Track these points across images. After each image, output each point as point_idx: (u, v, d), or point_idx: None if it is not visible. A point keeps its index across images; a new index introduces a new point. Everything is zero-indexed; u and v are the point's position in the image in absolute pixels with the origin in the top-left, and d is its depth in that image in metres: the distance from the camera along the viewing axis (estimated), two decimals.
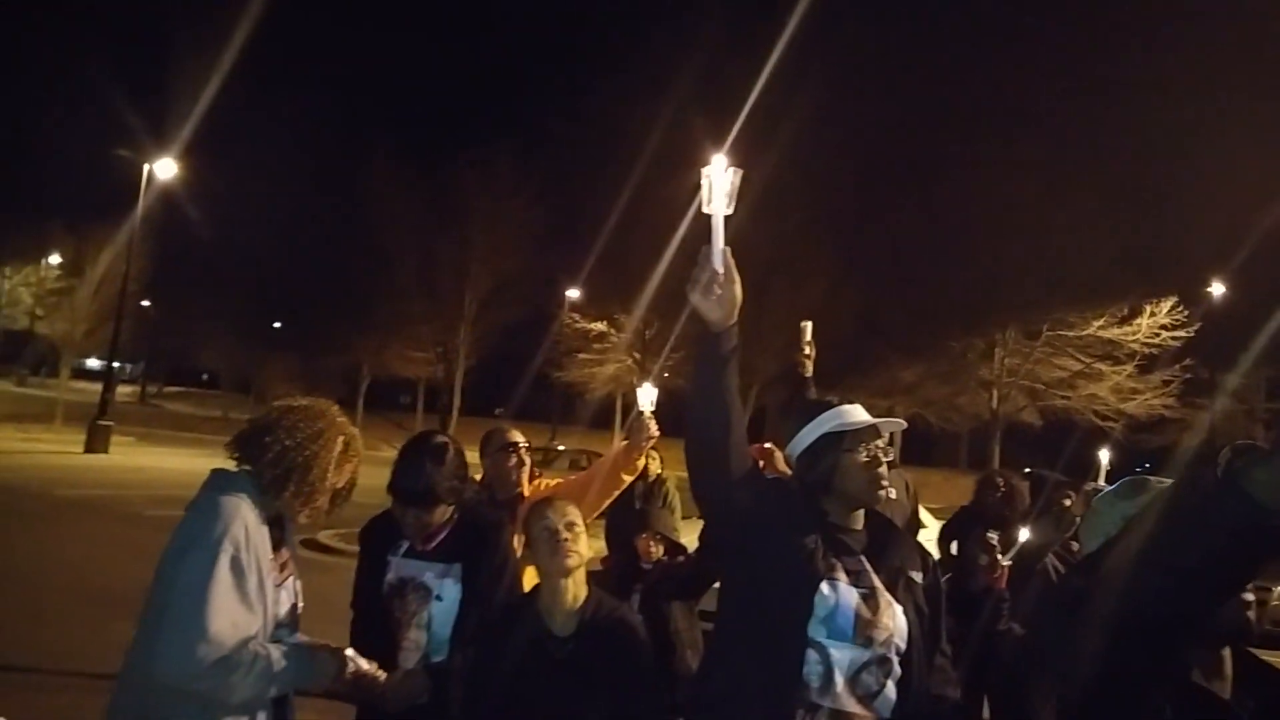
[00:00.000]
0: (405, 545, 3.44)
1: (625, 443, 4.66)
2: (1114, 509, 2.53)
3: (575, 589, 3.14)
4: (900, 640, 2.59)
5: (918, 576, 2.75)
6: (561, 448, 34.93)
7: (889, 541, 2.79)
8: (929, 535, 8.39)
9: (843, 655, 2.52)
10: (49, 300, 49.30)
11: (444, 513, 3.40)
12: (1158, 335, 33.64)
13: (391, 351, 50.64)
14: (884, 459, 2.76)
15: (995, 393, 37.44)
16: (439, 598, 3.34)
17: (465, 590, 3.34)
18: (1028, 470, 7.39)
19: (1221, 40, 32.23)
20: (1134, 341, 34.06)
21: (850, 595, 2.57)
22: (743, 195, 2.40)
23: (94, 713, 2.86)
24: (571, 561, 3.10)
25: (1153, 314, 33.55)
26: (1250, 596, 2.34)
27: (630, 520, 5.51)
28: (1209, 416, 33.69)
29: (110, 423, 28.15)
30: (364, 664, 2.97)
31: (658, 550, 5.20)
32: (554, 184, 43.91)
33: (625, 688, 3.06)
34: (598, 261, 35.84)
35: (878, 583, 2.63)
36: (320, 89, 78.13)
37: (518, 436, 4.57)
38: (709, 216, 2.38)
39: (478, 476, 4.22)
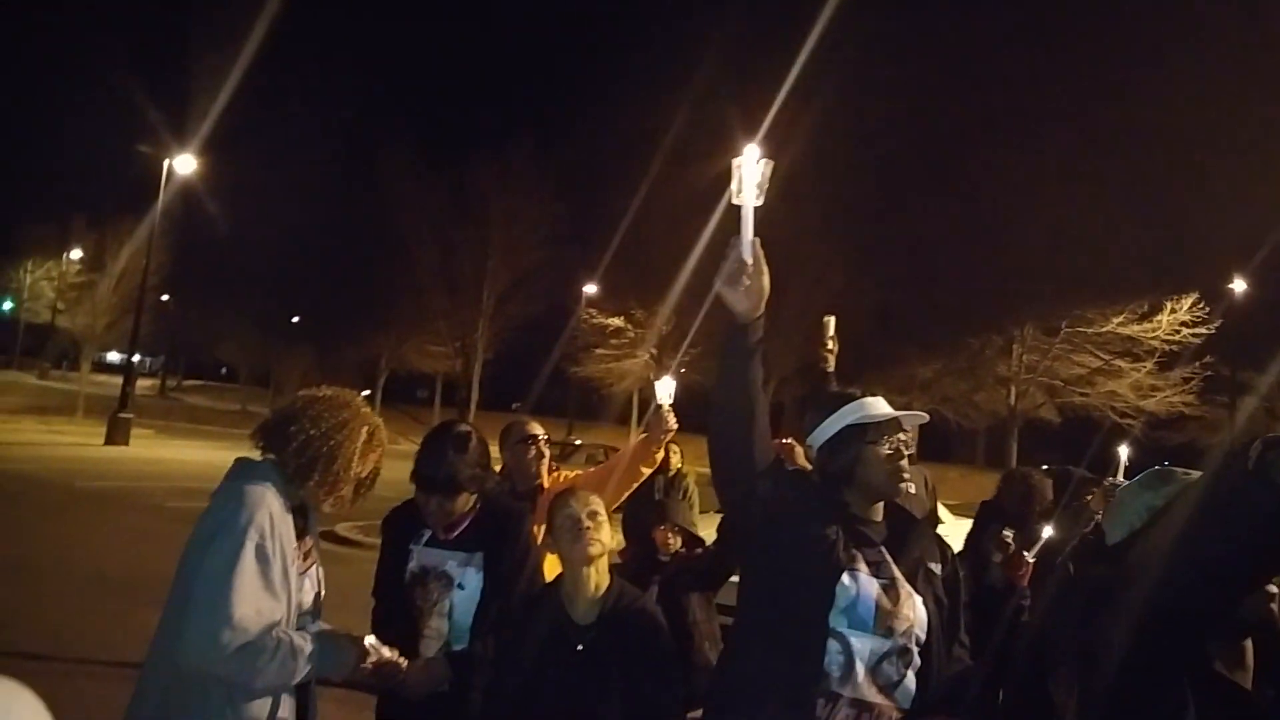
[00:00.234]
0: (427, 534, 3.46)
1: (644, 435, 4.68)
2: (1139, 500, 2.53)
3: (597, 578, 3.15)
4: (920, 630, 2.60)
5: (936, 568, 2.76)
6: (579, 442, 34.95)
7: (909, 533, 2.80)
8: (945, 531, 8.37)
9: (863, 645, 2.53)
10: (70, 294, 49.65)
11: (466, 501, 3.41)
12: (1178, 332, 33.39)
13: (410, 346, 50.84)
14: (906, 451, 2.77)
15: (1013, 389, 37.21)
16: (461, 586, 3.36)
17: (487, 579, 3.36)
18: (1045, 467, 7.36)
19: (1247, 38, 31.96)
20: (1154, 338, 33.81)
21: (871, 586, 2.58)
22: (757, 207, 2.40)
23: (117, 700, 2.89)
24: (594, 550, 3.11)
25: (1173, 311, 33.28)
26: (1275, 589, 2.34)
27: (649, 512, 5.52)
28: (1230, 414, 33.50)
29: (130, 415, 28.32)
30: (385, 651, 2.99)
31: (675, 542, 5.22)
32: (572, 180, 44.11)
33: (645, 677, 3.07)
34: (615, 257, 35.83)
35: (898, 573, 2.64)
36: (340, 85, 78.06)
37: (537, 429, 4.59)
38: (738, 207, 2.38)
39: (497, 469, 4.23)
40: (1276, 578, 2.29)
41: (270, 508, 2.79)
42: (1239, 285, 32.08)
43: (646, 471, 4.65)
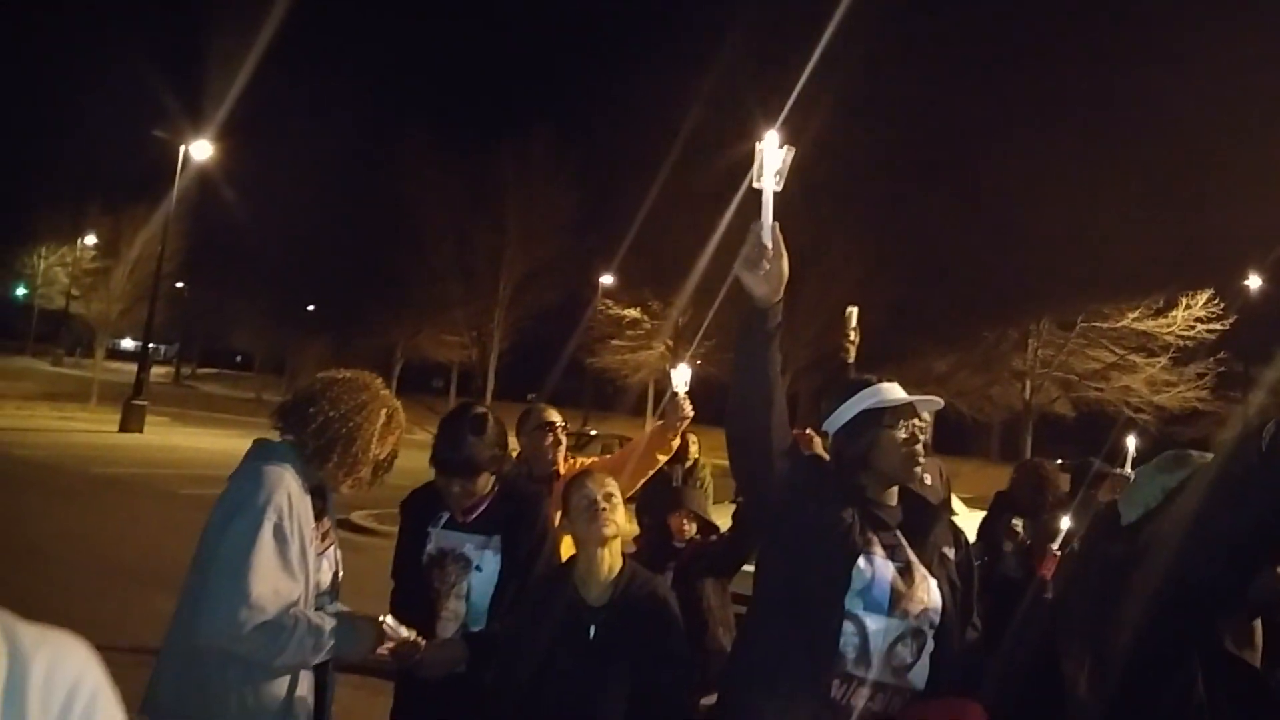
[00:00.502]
0: (445, 517, 3.49)
1: (660, 423, 4.69)
2: (1154, 481, 2.56)
3: (611, 559, 3.17)
4: (935, 613, 2.63)
5: (951, 552, 2.79)
6: (594, 432, 34.94)
7: (924, 518, 2.83)
8: (959, 523, 8.35)
9: (878, 627, 2.56)
10: (85, 281, 49.75)
11: (486, 483, 3.44)
12: (1193, 328, 33.32)
13: (425, 335, 50.75)
14: (921, 437, 2.79)
15: (1028, 383, 37.16)
16: (478, 568, 3.39)
17: (504, 561, 3.38)
18: (1060, 461, 7.36)
19: (1265, 34, 31.79)
20: (1169, 334, 33.74)
21: (886, 569, 2.61)
22: (777, 192, 2.41)
23: (131, 685, 2.91)
24: (609, 531, 3.13)
25: (1188, 306, 33.22)
26: None
27: (665, 499, 5.54)
28: (1244, 409, 33.36)
29: (145, 402, 28.32)
30: (403, 632, 3.01)
31: (691, 529, 5.23)
32: (590, 169, 44.03)
33: (657, 659, 3.09)
34: (632, 248, 35.76)
35: (913, 557, 2.67)
36: (356, 73, 78.29)
37: (554, 416, 4.60)
38: (758, 192, 2.39)
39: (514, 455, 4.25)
40: None
41: (288, 488, 2.81)
42: (1254, 281, 31.97)
43: (662, 459, 4.67)
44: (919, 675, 2.61)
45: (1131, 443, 5.91)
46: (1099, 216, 32.55)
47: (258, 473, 2.83)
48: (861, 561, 2.58)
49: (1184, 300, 33.23)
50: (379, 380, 3.16)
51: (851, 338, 5.08)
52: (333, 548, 3.10)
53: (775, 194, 2.38)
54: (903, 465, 2.76)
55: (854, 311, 5.18)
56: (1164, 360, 34.39)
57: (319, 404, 2.97)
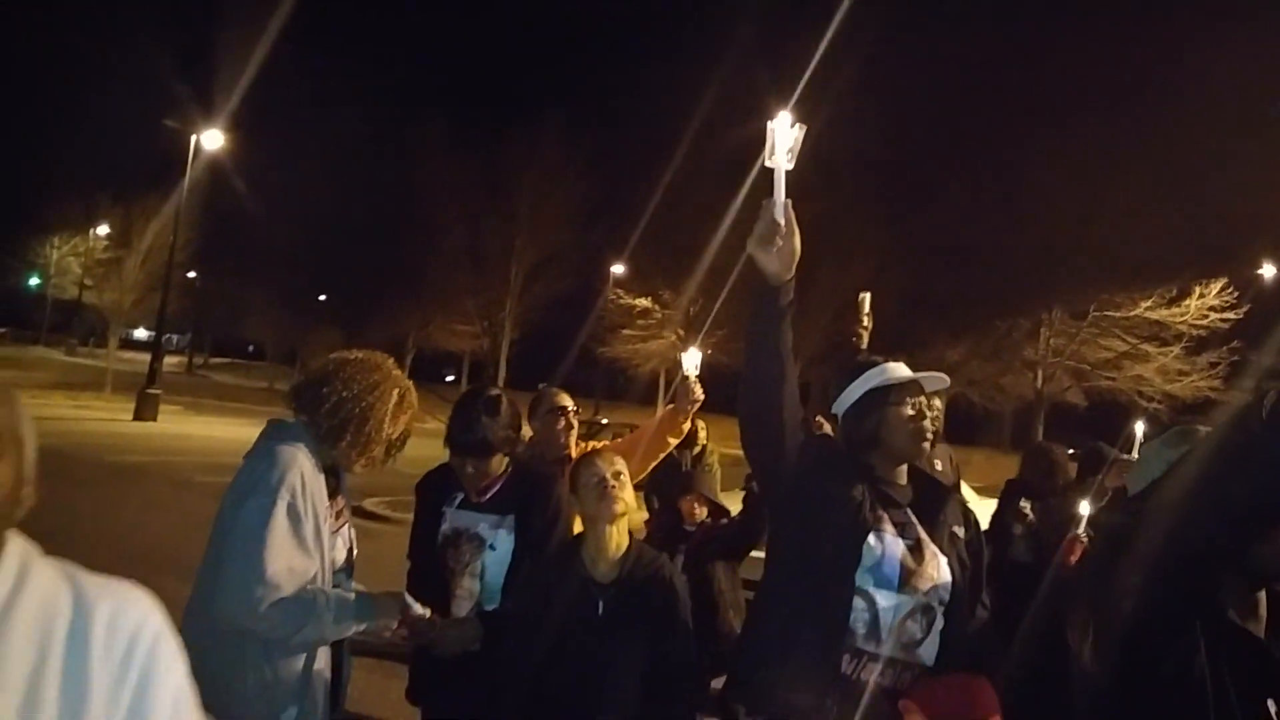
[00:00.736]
0: (460, 497, 3.52)
1: (671, 406, 4.71)
2: (1160, 456, 2.59)
3: (619, 537, 3.20)
4: (944, 590, 2.66)
5: (960, 531, 2.82)
6: (605, 421, 35.00)
7: (934, 497, 2.86)
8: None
9: (888, 603, 2.59)
10: (97, 271, 49.75)
11: (499, 463, 3.47)
12: (1206, 317, 33.15)
13: (437, 325, 50.71)
14: (928, 413, 2.81)
15: (1040, 373, 37.05)
16: (492, 547, 3.42)
17: (518, 541, 3.41)
18: (1072, 451, 7.34)
19: (1278, 18, 31.66)
20: (1182, 323, 33.57)
21: (896, 546, 2.64)
22: (789, 172, 2.43)
23: None
24: (618, 508, 3.15)
25: (1202, 295, 33.03)
26: None
27: (675, 483, 5.56)
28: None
29: (158, 392, 28.44)
30: (419, 608, 3.04)
31: (701, 512, 5.25)
32: (601, 158, 44.01)
33: (661, 635, 3.12)
34: (643, 237, 35.77)
35: (923, 535, 2.70)
36: (368, 63, 78.48)
37: (566, 400, 4.61)
38: (770, 171, 2.40)
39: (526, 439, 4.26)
40: None
41: (302, 467, 2.84)
42: (1268, 270, 31.83)
43: (673, 442, 4.69)
44: (928, 651, 2.63)
45: (1139, 428, 5.91)
46: (1112, 205, 32.46)
47: (271, 452, 2.86)
48: (872, 539, 2.61)
49: (1197, 289, 33.01)
50: (391, 360, 3.19)
51: (865, 323, 5.08)
52: (347, 526, 3.14)
53: (787, 172, 2.40)
54: (910, 441, 2.79)
55: (866, 297, 5.17)
56: (1177, 350, 34.22)
57: (332, 384, 3.00)
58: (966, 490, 8.99)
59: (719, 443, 8.52)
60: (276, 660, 2.79)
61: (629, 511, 3.22)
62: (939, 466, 5.60)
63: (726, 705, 5.24)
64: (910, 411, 2.78)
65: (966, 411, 38.09)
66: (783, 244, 2.45)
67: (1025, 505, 5.93)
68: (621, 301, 42.55)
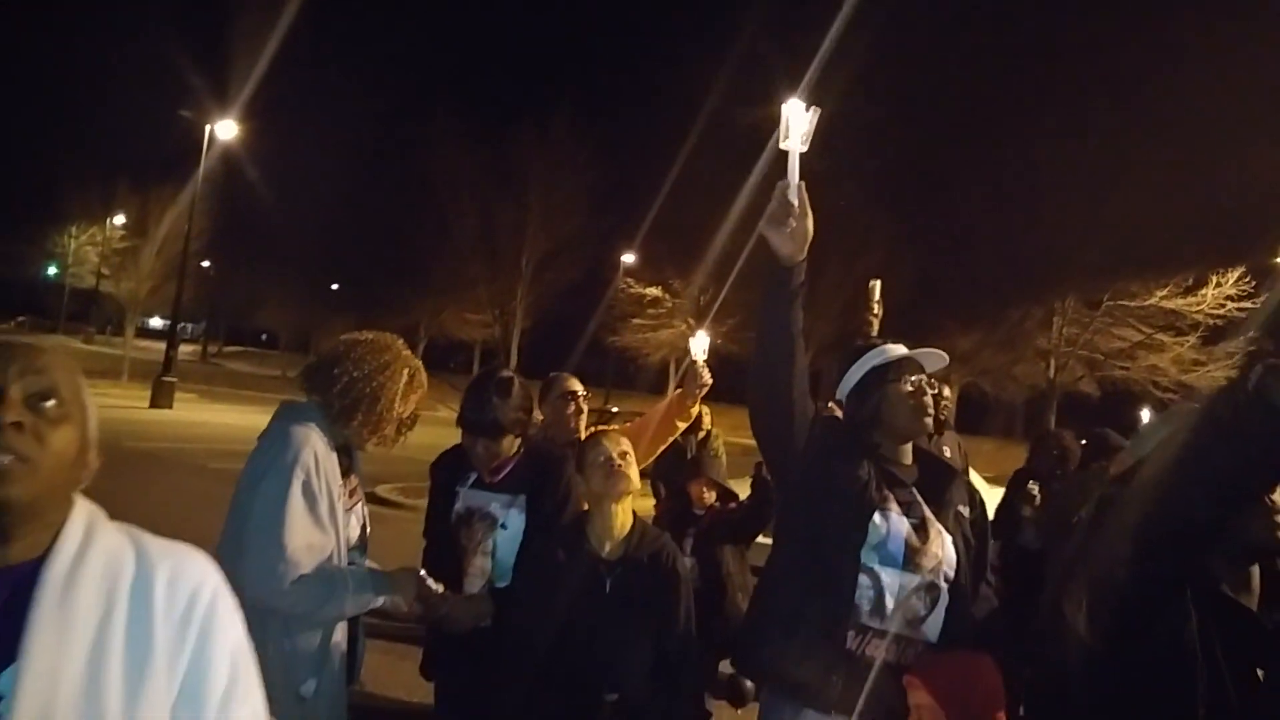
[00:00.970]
0: (473, 477, 3.56)
1: (679, 390, 4.74)
2: (1155, 432, 2.62)
3: (624, 516, 3.24)
4: (949, 568, 2.70)
5: (966, 511, 2.86)
6: (615, 409, 35.04)
7: (940, 477, 2.90)
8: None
9: (893, 580, 2.63)
10: (114, 260, 49.87)
11: (511, 444, 3.51)
12: (1223, 306, 32.82)
13: (449, 313, 50.72)
14: (929, 390, 2.85)
15: (1052, 362, 36.80)
16: (504, 526, 3.46)
17: (530, 520, 3.45)
18: (1084, 441, 7.35)
19: None
20: (1198, 312, 33.23)
21: (901, 524, 2.68)
22: (800, 160, 2.46)
23: None
24: (624, 486, 3.19)
25: (1219, 284, 32.71)
26: None
27: (684, 468, 5.60)
28: None
29: (174, 379, 28.59)
30: (434, 584, 3.09)
31: (710, 496, 5.29)
32: (612, 147, 43.92)
33: (663, 612, 3.17)
34: (653, 226, 35.71)
35: (928, 514, 2.74)
36: (380, 53, 78.35)
37: (576, 385, 4.63)
38: (784, 153, 2.44)
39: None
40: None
41: (315, 447, 2.89)
42: None
43: (681, 426, 4.72)
44: (933, 628, 2.68)
45: (1146, 415, 5.94)
46: (1127, 193, 32.14)
47: (285, 433, 2.90)
48: (877, 517, 2.66)
49: (1214, 278, 32.67)
50: (400, 341, 3.23)
51: (875, 311, 5.11)
52: (360, 504, 3.19)
53: (800, 154, 2.43)
54: (911, 417, 2.82)
55: (877, 284, 5.20)
56: (1193, 339, 33.89)
57: (343, 365, 3.04)
58: (976, 478, 9.01)
59: (728, 432, 8.56)
60: (296, 634, 2.84)
61: (634, 491, 3.26)
62: (947, 454, 5.63)
63: (735, 686, 5.29)
64: (909, 388, 2.82)
65: (979, 401, 38.02)
66: (796, 225, 2.48)
67: (1033, 487, 5.96)
68: (632, 290, 42.45)
